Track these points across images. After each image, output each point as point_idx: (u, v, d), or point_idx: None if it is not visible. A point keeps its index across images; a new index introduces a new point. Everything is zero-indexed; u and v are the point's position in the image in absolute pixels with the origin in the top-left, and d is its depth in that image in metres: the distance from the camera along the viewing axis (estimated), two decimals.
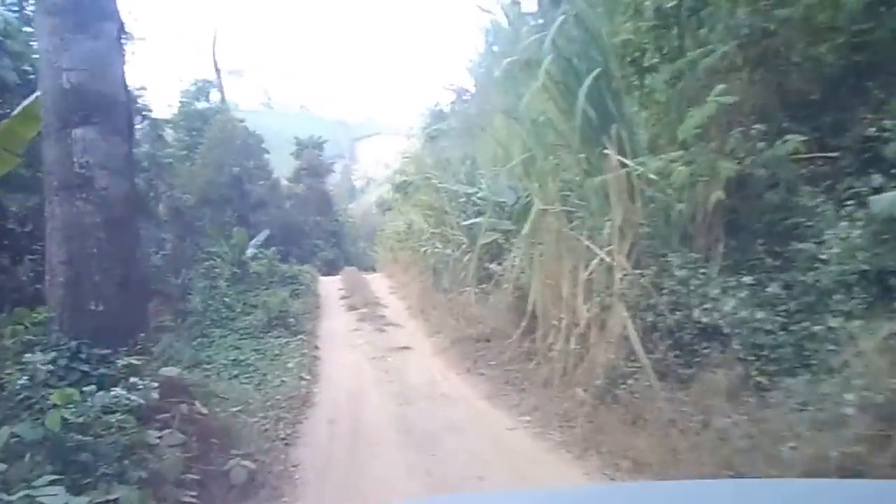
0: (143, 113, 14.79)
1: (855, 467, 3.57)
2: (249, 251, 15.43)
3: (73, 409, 4.07)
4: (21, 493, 3.30)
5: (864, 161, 5.64)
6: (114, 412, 4.30)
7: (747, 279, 5.40)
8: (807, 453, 3.75)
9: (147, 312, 7.02)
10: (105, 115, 5.70)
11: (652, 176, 6.42)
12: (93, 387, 4.49)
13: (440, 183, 14.34)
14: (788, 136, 5.52)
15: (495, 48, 18.72)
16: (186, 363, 7.74)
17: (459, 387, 8.35)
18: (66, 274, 5.55)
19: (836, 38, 6.13)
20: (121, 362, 5.14)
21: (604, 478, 5.15)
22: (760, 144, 5.69)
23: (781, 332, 5.03)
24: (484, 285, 10.70)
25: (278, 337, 11.09)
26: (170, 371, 5.33)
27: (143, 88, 15.21)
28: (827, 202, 5.41)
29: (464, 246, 12.23)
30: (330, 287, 17.37)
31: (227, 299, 12.56)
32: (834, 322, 4.65)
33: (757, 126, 5.79)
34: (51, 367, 4.69)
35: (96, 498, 3.64)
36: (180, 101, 24.64)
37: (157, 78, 46.78)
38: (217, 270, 13.63)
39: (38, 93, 5.95)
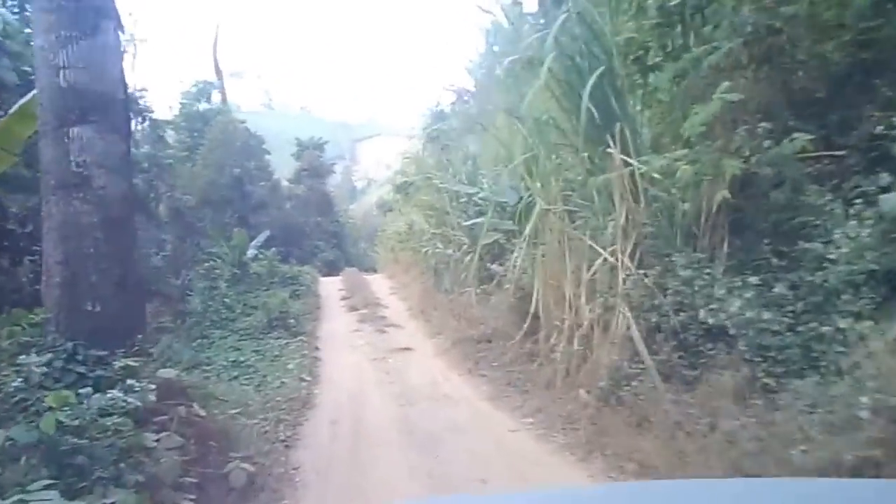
0: (145, 114, 14.77)
1: (871, 471, 3.49)
2: (250, 252, 15.40)
3: (69, 412, 4.00)
4: (15, 498, 3.23)
5: (872, 160, 5.56)
6: (110, 415, 4.23)
7: (753, 279, 5.32)
8: (819, 457, 3.66)
9: (145, 313, 6.96)
10: (102, 114, 5.63)
11: (655, 175, 6.36)
12: (89, 389, 4.41)
13: (441, 183, 14.27)
14: (796, 135, 5.43)
15: (496, 48, 18.70)
16: (186, 364, 7.68)
17: (461, 388, 8.29)
18: (63, 274, 5.49)
19: (842, 36, 6.07)
20: (118, 364, 5.07)
21: (608, 480, 5.08)
22: (766, 143, 5.61)
23: (788, 333, 4.95)
24: (485, 286, 10.65)
25: (278, 338, 11.02)
26: (168, 373, 5.25)
27: (145, 90, 15.20)
28: (834, 201, 5.33)
29: (465, 246, 12.16)
30: (330, 288, 17.31)
31: (227, 300, 12.52)
32: (843, 323, 4.56)
33: (763, 124, 5.71)
34: (45, 368, 4.62)
35: (92, 502, 3.57)
36: (181, 103, 24.66)
37: (158, 79, 46.84)
38: (217, 271, 13.59)
39: (34, 91, 5.88)
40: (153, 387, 4.81)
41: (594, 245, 6.86)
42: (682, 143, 6.26)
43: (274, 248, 16.85)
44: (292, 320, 11.96)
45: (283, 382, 8.50)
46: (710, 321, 5.30)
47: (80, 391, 4.34)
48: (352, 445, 6.47)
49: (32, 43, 6.26)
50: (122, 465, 3.90)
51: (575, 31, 7.17)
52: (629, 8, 7.33)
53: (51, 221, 5.57)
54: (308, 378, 8.85)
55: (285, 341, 10.88)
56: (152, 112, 15.25)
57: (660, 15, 6.93)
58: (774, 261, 5.48)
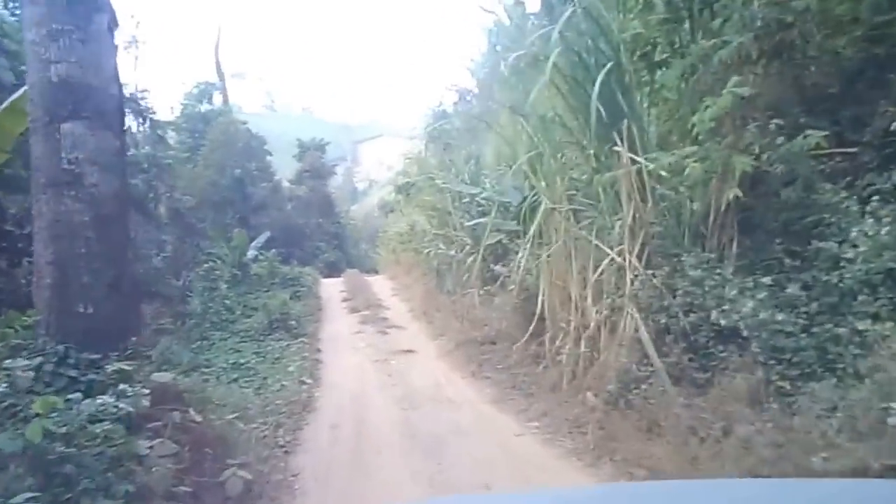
0: (146, 115, 14.66)
1: None
2: (250, 253, 15.31)
3: (57, 418, 3.84)
4: None
5: (886, 156, 5.47)
6: (101, 421, 4.07)
7: (765, 280, 5.19)
8: (843, 465, 3.49)
9: (140, 315, 6.82)
10: (95, 110, 5.49)
11: (663, 173, 6.22)
12: (78, 394, 4.27)
13: (443, 183, 14.15)
14: (809, 132, 5.29)
15: (498, 48, 18.58)
16: (185, 367, 7.53)
17: (465, 391, 8.15)
18: (54, 275, 5.35)
19: (855, 30, 5.95)
20: (111, 368, 4.92)
21: None
22: (779, 139, 5.46)
23: (803, 335, 4.81)
24: (488, 287, 10.55)
25: (279, 340, 10.92)
26: (162, 377, 5.08)
27: (147, 91, 15.09)
28: (849, 199, 5.20)
29: (468, 247, 12.06)
30: (332, 289, 17.21)
31: (227, 301, 12.39)
32: (861, 324, 4.41)
33: (774, 121, 5.57)
34: (32, 373, 4.45)
35: None
36: (183, 104, 24.73)
37: (160, 81, 46.68)
38: (217, 272, 13.46)
39: (25, 87, 5.75)
40: (147, 391, 4.65)
41: (601, 245, 6.73)
42: (691, 140, 6.14)
43: (275, 250, 16.75)
44: (293, 322, 11.85)
45: (283, 385, 8.38)
46: (723, 322, 5.15)
47: (70, 396, 4.20)
48: (353, 450, 6.33)
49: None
50: (111, 474, 3.75)
51: (581, 26, 7.02)
52: (636, 4, 7.20)
53: (41, 220, 5.43)
54: (309, 380, 8.74)
55: (286, 343, 10.78)
56: (154, 113, 15.15)
57: (667, 10, 6.80)
58: (787, 260, 5.37)
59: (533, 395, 7.31)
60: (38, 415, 3.76)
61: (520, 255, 8.70)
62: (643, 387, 5.60)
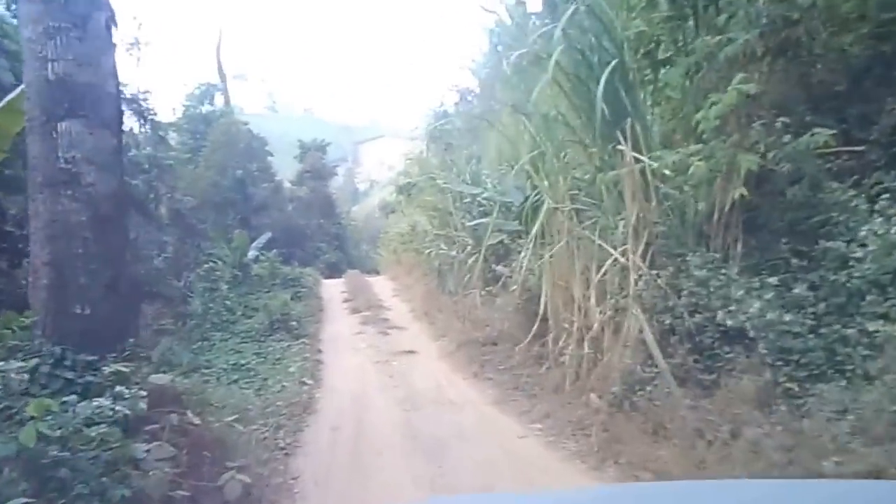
0: (147, 116, 14.62)
1: None
2: (251, 254, 15.29)
3: (51, 421, 3.76)
4: None
5: (894, 155, 5.39)
6: (97, 424, 4.00)
7: (772, 280, 5.12)
8: (856, 469, 3.41)
9: (138, 316, 6.77)
10: (92, 108, 5.43)
11: (667, 172, 6.14)
12: (74, 396, 4.19)
13: (445, 184, 14.08)
14: (817, 130, 5.20)
15: (500, 48, 18.52)
16: (185, 368, 7.47)
17: (467, 392, 8.08)
18: (50, 276, 5.29)
19: (861, 28, 5.88)
20: (108, 369, 4.85)
21: None
22: (785, 138, 5.38)
23: (811, 336, 4.74)
24: (490, 287, 10.48)
25: (280, 340, 10.87)
26: (160, 379, 5.00)
27: (148, 92, 15.04)
28: (858, 197, 5.12)
29: (469, 247, 11.99)
30: (333, 290, 17.15)
31: (228, 302, 12.35)
32: (871, 325, 4.33)
33: (781, 119, 5.49)
34: (27, 375, 4.38)
35: None
36: (185, 105, 24.77)
37: (162, 82, 46.62)
38: (218, 273, 13.42)
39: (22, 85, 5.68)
40: (144, 393, 4.58)
41: (604, 245, 6.65)
42: (695, 138, 6.05)
43: (276, 250, 16.72)
44: (294, 322, 11.81)
45: (283, 386, 8.33)
46: (729, 323, 5.07)
47: (66, 399, 4.13)
48: (353, 452, 6.27)
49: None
50: (107, 478, 3.67)
51: (584, 24, 6.95)
52: (639, 1, 7.13)
53: (37, 220, 5.37)
54: (310, 381, 8.68)
55: (287, 344, 10.73)
56: (155, 114, 15.12)
57: (671, 8, 6.73)
58: (794, 260, 5.29)
59: (536, 397, 7.24)
60: (32, 418, 3.68)
61: (522, 255, 8.63)
62: (648, 388, 5.52)
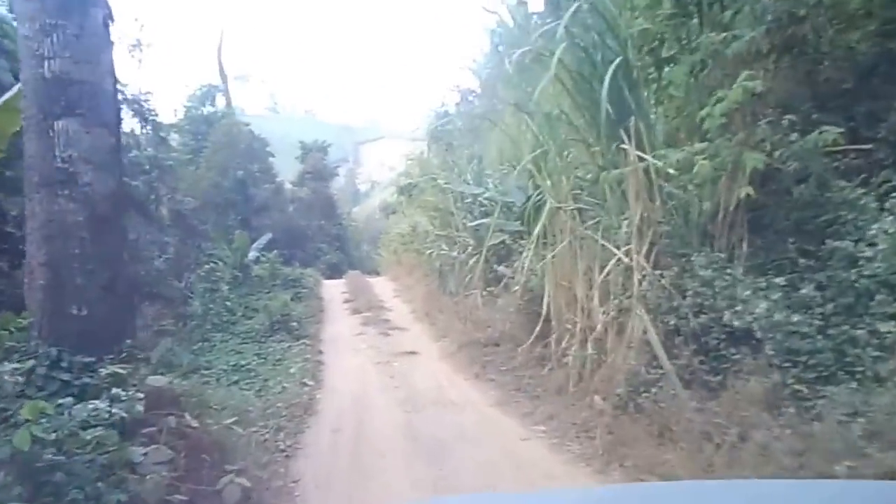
0: (148, 117, 14.58)
1: None
2: (252, 254, 15.24)
3: (46, 424, 3.69)
4: None
5: None
6: (93, 427, 3.93)
7: (778, 280, 5.05)
8: (870, 475, 3.33)
9: (135, 317, 6.70)
10: (90, 106, 5.35)
11: (671, 171, 6.08)
12: (70, 399, 4.12)
13: (446, 184, 14.04)
14: (825, 128, 5.13)
15: (501, 48, 18.49)
16: (185, 369, 7.42)
17: (468, 393, 8.00)
18: (47, 276, 5.23)
19: (868, 25, 5.82)
20: (104, 371, 4.78)
21: None
22: (792, 136, 5.31)
23: (819, 337, 4.65)
24: (491, 288, 10.42)
25: (280, 341, 10.81)
26: (158, 380, 4.93)
27: (150, 93, 14.99)
28: (867, 196, 5.05)
29: (470, 248, 11.95)
30: (333, 291, 17.09)
31: (228, 303, 12.30)
32: (882, 326, 4.25)
33: (787, 116, 5.43)
34: (22, 377, 4.31)
35: None
36: (186, 106, 24.73)
37: (163, 83, 46.54)
38: (219, 274, 13.37)
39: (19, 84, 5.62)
40: (141, 396, 4.52)
41: (607, 245, 6.59)
42: (699, 137, 5.99)
43: (276, 251, 16.62)
44: (295, 323, 11.74)
45: (284, 387, 8.26)
46: (735, 324, 4.99)
47: (62, 401, 4.06)
48: (354, 454, 6.20)
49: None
50: (103, 482, 3.60)
51: (587, 21, 6.89)
52: None
53: (34, 221, 5.31)
54: (310, 382, 8.61)
55: (287, 344, 10.67)
56: (156, 115, 15.07)
57: (675, 5, 6.66)
58: (800, 260, 5.23)
59: (538, 398, 7.16)
60: (27, 420, 3.61)
61: (524, 255, 8.56)
62: (653, 390, 5.44)
